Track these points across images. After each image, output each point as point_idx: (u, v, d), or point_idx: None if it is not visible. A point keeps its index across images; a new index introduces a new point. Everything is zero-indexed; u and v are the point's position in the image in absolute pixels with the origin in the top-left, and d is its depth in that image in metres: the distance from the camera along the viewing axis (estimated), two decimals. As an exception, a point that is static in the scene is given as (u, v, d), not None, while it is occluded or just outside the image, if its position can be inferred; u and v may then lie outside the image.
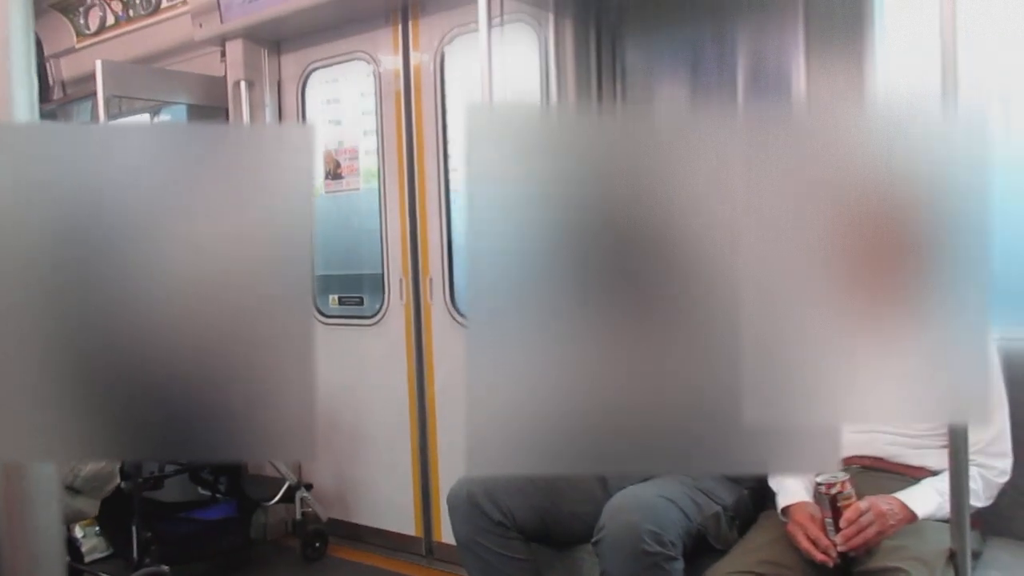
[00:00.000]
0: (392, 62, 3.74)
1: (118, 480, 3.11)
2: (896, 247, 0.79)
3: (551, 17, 3.17)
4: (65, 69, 5.00)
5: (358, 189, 3.91)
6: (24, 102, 0.81)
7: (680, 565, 2.00)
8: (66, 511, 2.95)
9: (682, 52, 3.10)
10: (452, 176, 3.57)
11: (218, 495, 3.75)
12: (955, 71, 1.64)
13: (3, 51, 0.80)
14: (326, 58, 3.97)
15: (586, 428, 0.81)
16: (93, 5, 4.71)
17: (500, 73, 2.55)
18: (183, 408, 0.78)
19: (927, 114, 0.82)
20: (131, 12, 4.51)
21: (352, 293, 3.99)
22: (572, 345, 0.80)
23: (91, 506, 3.03)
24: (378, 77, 3.79)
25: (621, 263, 0.80)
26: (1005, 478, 2.03)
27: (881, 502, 1.89)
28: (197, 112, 4.15)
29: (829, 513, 1.90)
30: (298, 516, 3.80)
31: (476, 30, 2.48)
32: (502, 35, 2.91)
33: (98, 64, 3.73)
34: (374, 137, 3.81)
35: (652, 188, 0.80)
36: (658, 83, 3.19)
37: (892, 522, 1.87)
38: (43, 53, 4.99)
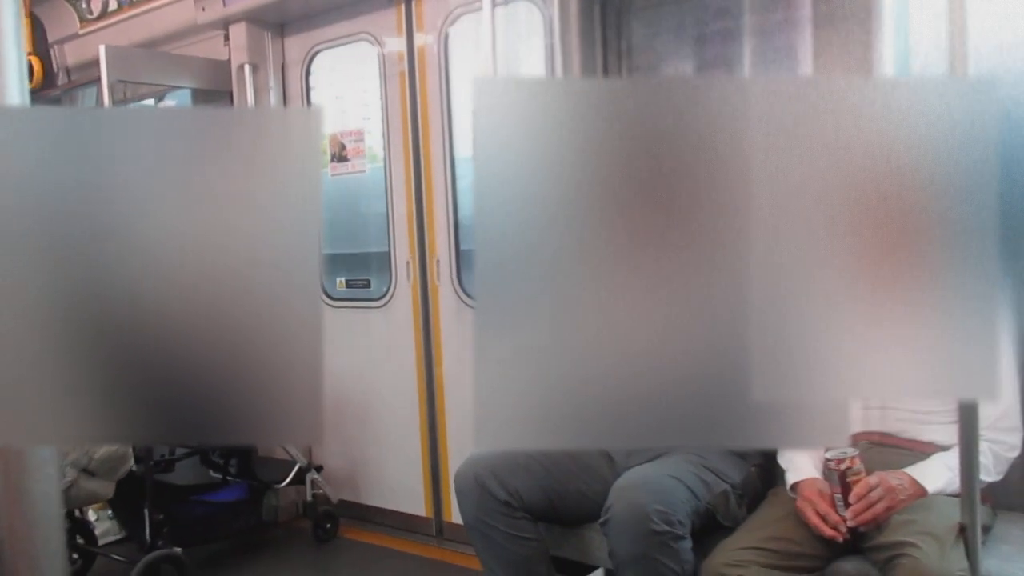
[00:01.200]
0: (396, 43, 3.72)
1: (132, 462, 3.12)
2: (906, 223, 0.78)
3: (556, -6, 3.15)
4: (69, 55, 5.00)
5: (364, 171, 3.91)
6: (15, 87, 0.81)
7: (688, 544, 2.01)
8: (81, 493, 2.97)
9: (688, 30, 3.08)
10: (457, 157, 3.56)
11: (229, 478, 3.78)
12: (963, 42, 1.62)
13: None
14: (330, 40, 3.95)
15: (594, 403, 0.81)
16: (95, -11, 4.70)
17: (505, 53, 2.53)
18: (191, 392, 0.79)
19: (936, 89, 0.81)
20: (133, -4, 4.50)
21: (359, 276, 4.00)
22: (580, 320, 0.80)
23: (106, 488, 3.05)
24: (382, 58, 3.78)
25: (628, 237, 0.80)
26: (1015, 452, 2.03)
27: (891, 477, 1.89)
28: (201, 96, 4.14)
29: (839, 489, 1.90)
30: (309, 498, 3.82)
31: (480, 9, 2.46)
32: (506, 14, 2.89)
33: (102, 49, 3.73)
34: (379, 119, 3.80)
35: (660, 161, 0.79)
36: (663, 61, 3.17)
37: (902, 497, 1.88)
38: (47, 39, 4.99)
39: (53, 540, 0.88)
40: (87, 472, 2.96)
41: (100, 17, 4.71)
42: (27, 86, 0.83)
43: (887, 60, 2.63)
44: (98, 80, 3.79)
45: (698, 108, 0.79)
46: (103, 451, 2.97)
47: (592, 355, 0.81)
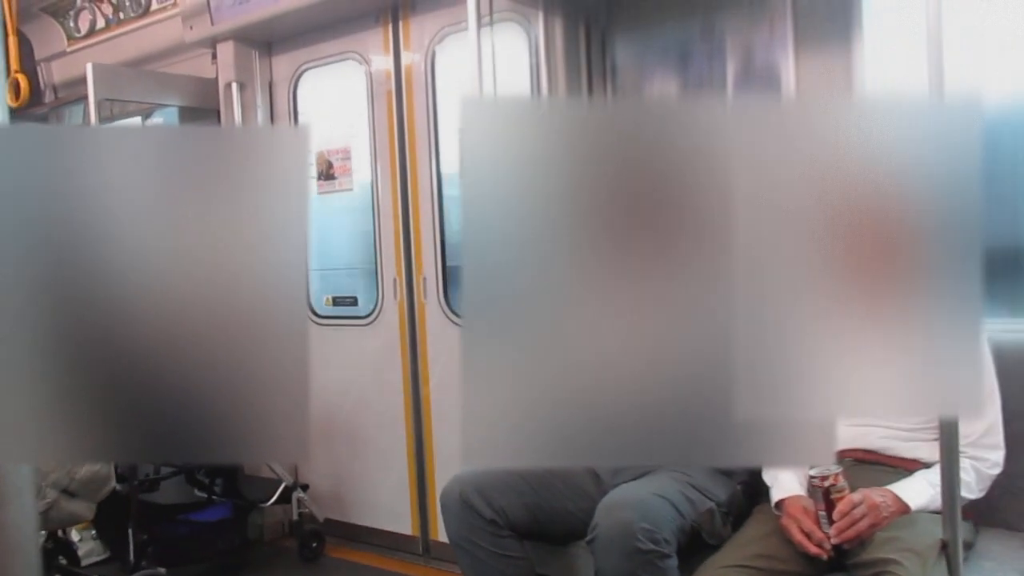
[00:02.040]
0: (383, 62, 3.74)
1: (114, 483, 3.09)
2: (887, 241, 0.79)
3: (541, 16, 3.18)
4: (56, 73, 4.99)
5: (351, 189, 3.91)
6: None
7: (674, 562, 2.01)
8: (61, 514, 2.93)
9: (671, 50, 3.11)
10: (444, 175, 3.58)
11: (214, 497, 3.75)
12: (940, 64, 1.65)
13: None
14: (317, 59, 3.97)
15: (581, 420, 0.81)
16: (83, 8, 4.70)
17: (490, 72, 2.55)
18: (176, 410, 0.79)
19: (917, 108, 0.83)
20: (121, 15, 4.50)
21: (346, 293, 3.99)
22: (566, 338, 0.80)
23: (87, 509, 3.02)
24: (369, 77, 3.79)
25: (614, 256, 0.80)
26: (998, 470, 2.04)
27: (874, 494, 1.90)
28: (189, 114, 4.14)
29: (823, 506, 1.91)
30: (295, 517, 3.79)
31: (466, 29, 2.48)
32: (492, 34, 2.91)
33: (89, 67, 3.73)
34: (366, 137, 3.81)
35: (645, 181, 0.80)
36: (648, 81, 3.19)
37: (885, 514, 1.89)
38: (34, 57, 4.98)
39: (30, 570, 0.88)
40: (68, 493, 2.93)
41: (87, 35, 4.72)
42: (6, 104, 0.84)
43: (869, 78, 2.67)
44: (85, 98, 3.79)
45: (682, 129, 0.80)
46: (84, 472, 2.94)
47: (579, 373, 0.81)
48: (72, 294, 0.76)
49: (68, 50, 4.85)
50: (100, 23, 4.64)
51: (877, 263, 0.79)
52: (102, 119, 3.77)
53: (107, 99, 3.82)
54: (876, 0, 2.67)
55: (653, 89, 3.19)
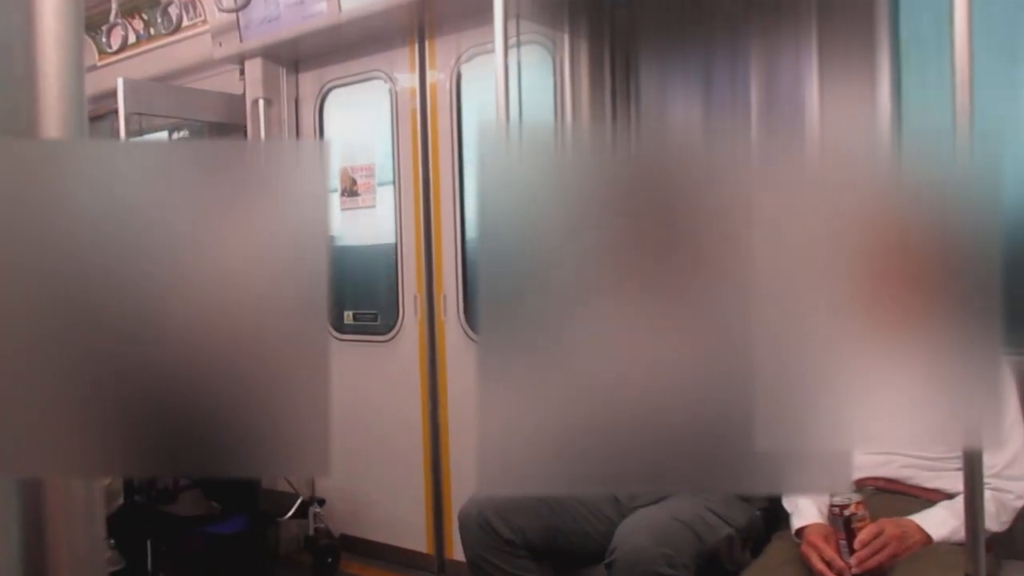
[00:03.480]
0: (409, 80, 3.77)
1: (122, 499, 3.11)
2: (907, 271, 0.79)
3: (566, 38, 3.19)
4: (87, 86, 5.06)
5: (374, 206, 3.94)
6: (75, 121, 0.83)
7: (692, 587, 2.00)
8: None
9: (696, 73, 3.12)
10: (467, 193, 3.59)
11: (232, 509, 3.76)
12: (970, 94, 1.64)
13: (57, 69, 0.82)
14: (343, 77, 4.00)
15: (598, 447, 0.81)
16: (115, 24, 4.77)
17: (516, 93, 2.56)
18: (197, 424, 0.79)
19: (939, 141, 0.82)
20: (152, 31, 4.57)
21: (367, 309, 4.01)
22: (584, 364, 0.80)
23: None
24: (395, 96, 3.82)
25: (634, 281, 0.81)
26: (1022, 502, 2.01)
27: (896, 524, 1.88)
28: (216, 130, 4.19)
29: (843, 535, 1.89)
30: (311, 531, 3.80)
31: (492, 51, 2.50)
32: (518, 56, 2.93)
33: (120, 82, 3.79)
34: (390, 155, 3.84)
35: (665, 210, 0.80)
36: (672, 104, 3.20)
37: (907, 544, 1.86)
38: (66, 70, 5.05)
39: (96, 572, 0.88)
40: None
41: (119, 51, 4.78)
42: (86, 120, 0.85)
43: (892, 107, 2.66)
44: (115, 112, 3.84)
45: (703, 161, 0.80)
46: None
47: (596, 399, 0.81)
48: (95, 307, 0.77)
49: (99, 64, 4.92)
50: (131, 39, 4.71)
51: (896, 293, 0.79)
52: (131, 133, 3.82)
53: (136, 113, 3.88)
54: (904, 24, 2.67)
55: (677, 113, 3.19)
